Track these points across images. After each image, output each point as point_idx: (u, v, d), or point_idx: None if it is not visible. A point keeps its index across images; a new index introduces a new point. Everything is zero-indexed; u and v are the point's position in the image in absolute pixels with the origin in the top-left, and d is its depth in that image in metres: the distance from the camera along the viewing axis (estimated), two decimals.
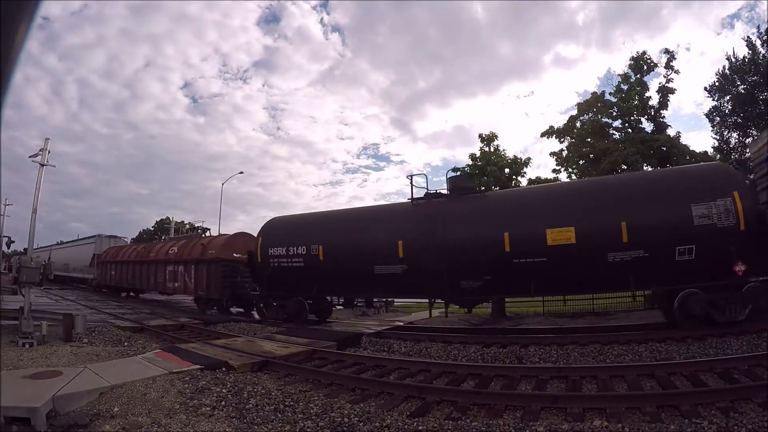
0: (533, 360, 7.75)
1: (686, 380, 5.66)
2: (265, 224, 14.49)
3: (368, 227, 11.67)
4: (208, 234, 21.51)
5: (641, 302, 15.14)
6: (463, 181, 12.53)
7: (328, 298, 13.53)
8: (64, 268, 34.06)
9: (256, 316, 15.33)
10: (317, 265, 12.11)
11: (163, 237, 33.91)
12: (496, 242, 9.48)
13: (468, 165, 22.47)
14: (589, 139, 20.28)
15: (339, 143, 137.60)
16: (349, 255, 11.46)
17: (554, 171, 21.89)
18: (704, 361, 6.25)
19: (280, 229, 13.80)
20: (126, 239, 34.14)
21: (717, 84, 22.19)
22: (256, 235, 15.25)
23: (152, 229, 56.43)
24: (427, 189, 11.99)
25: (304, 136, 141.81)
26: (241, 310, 16.84)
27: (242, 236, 17.56)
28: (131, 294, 25.10)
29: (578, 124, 21.17)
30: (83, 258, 30.21)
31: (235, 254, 16.46)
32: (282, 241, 13.05)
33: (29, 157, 10.57)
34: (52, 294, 23.42)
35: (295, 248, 12.62)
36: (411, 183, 11.82)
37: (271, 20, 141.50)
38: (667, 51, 19.85)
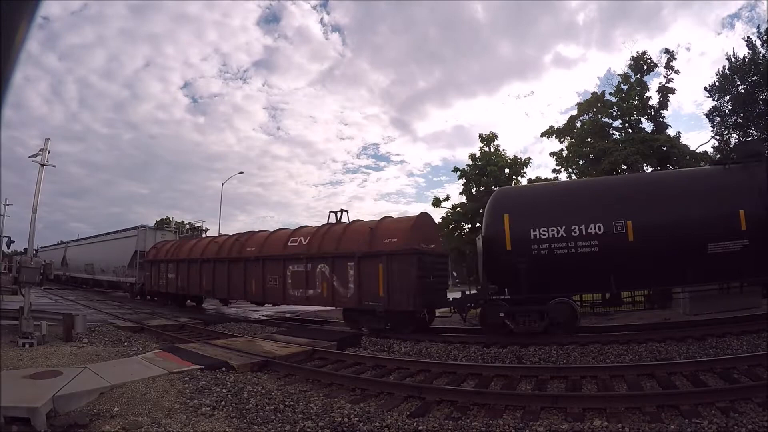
0: (533, 360, 7.76)
1: (686, 380, 5.67)
2: (503, 197, 10.78)
3: (694, 195, 9.52)
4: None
5: (642, 302, 15.12)
6: (759, 145, 10.93)
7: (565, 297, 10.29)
8: (86, 269, 28.27)
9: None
10: (622, 248, 9.31)
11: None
12: None
13: (468, 165, 22.53)
14: (589, 139, 20.28)
15: (339, 143, 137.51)
16: (674, 231, 9.11)
17: (554, 171, 21.91)
18: (704, 361, 6.27)
19: (542, 202, 10.31)
20: (172, 231, 26.67)
21: (717, 84, 22.14)
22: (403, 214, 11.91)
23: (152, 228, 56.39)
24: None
25: (304, 136, 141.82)
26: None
27: (425, 219, 12.45)
28: (188, 302, 19.40)
29: (578, 124, 21.20)
30: (118, 257, 23.67)
31: (422, 244, 11.49)
32: (554, 219, 9.68)
33: (29, 157, 10.54)
34: (52, 294, 23.43)
35: (582, 227, 9.51)
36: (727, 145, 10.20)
37: (271, 20, 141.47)
38: (667, 51, 19.86)
